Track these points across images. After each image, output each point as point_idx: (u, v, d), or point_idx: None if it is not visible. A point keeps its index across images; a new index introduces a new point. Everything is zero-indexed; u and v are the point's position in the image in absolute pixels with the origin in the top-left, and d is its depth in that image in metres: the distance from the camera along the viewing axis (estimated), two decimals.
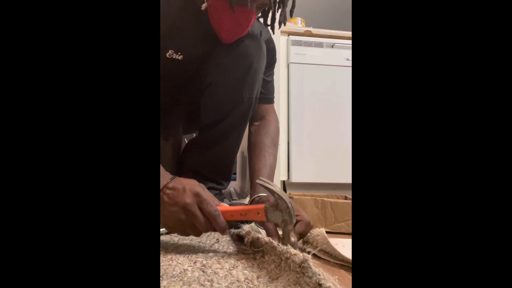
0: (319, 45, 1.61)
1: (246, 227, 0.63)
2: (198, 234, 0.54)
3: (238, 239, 0.62)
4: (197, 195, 0.52)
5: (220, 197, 0.89)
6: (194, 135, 1.06)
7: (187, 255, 0.53)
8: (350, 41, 1.62)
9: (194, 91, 0.89)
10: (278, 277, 0.43)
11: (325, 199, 0.82)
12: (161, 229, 0.66)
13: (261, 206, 0.54)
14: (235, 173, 1.84)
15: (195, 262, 0.49)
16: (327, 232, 0.59)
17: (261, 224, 0.62)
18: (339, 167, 1.54)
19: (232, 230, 0.64)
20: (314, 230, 0.60)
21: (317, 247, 0.56)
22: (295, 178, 1.51)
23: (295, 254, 0.41)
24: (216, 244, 0.61)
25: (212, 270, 0.46)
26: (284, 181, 1.54)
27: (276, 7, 0.76)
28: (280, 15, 0.78)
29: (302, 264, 0.39)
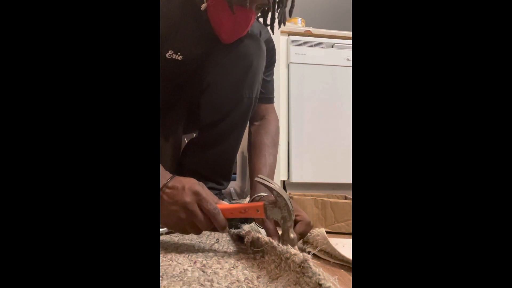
0: (319, 45, 1.61)
1: (246, 227, 0.63)
2: (198, 232, 0.55)
3: (238, 239, 0.62)
4: (196, 193, 0.52)
5: (220, 197, 0.89)
6: (194, 135, 1.06)
7: (187, 255, 0.53)
8: (350, 41, 1.62)
9: (194, 91, 0.89)
10: (278, 277, 0.43)
11: (325, 199, 0.82)
12: (161, 229, 0.66)
13: (260, 203, 0.55)
14: (235, 173, 1.84)
15: (195, 262, 0.49)
16: (327, 232, 0.59)
17: (261, 223, 0.62)
18: (339, 167, 1.54)
19: (232, 230, 0.64)
20: (314, 230, 0.60)
21: (317, 247, 0.56)
22: (295, 178, 1.51)
23: (295, 254, 0.41)
24: (216, 244, 0.61)
25: (212, 270, 0.46)
26: (284, 181, 1.54)
27: (276, 7, 0.76)
28: (280, 15, 0.78)
29: (302, 264, 0.39)
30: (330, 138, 1.56)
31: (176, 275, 0.43)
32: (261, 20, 0.85)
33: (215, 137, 0.86)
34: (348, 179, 1.50)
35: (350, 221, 0.79)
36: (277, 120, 0.96)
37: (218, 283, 0.41)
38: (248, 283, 0.41)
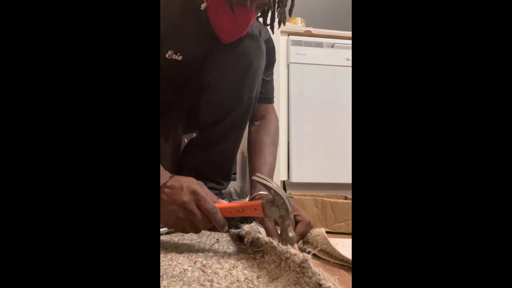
0: (319, 45, 1.61)
1: (246, 227, 0.63)
2: (197, 231, 0.55)
3: (238, 239, 0.62)
4: (194, 192, 0.52)
5: (220, 197, 0.89)
6: (194, 135, 1.06)
7: (187, 255, 0.53)
8: (350, 41, 1.62)
9: (193, 91, 0.89)
10: (278, 277, 0.43)
11: (325, 199, 0.82)
12: (161, 229, 0.66)
13: (258, 202, 0.54)
14: (235, 173, 1.84)
15: (195, 262, 0.49)
16: (327, 232, 0.59)
17: (261, 222, 0.62)
18: (339, 167, 1.54)
19: (232, 230, 0.64)
20: (314, 230, 0.60)
21: (317, 247, 0.56)
22: (295, 178, 1.51)
23: (295, 254, 0.41)
24: (216, 244, 0.61)
25: (212, 270, 0.46)
26: (284, 181, 1.54)
27: (276, 7, 0.76)
28: (280, 15, 0.78)
29: (302, 264, 0.39)
30: (330, 138, 1.56)
31: (176, 275, 0.43)
32: (261, 20, 0.85)
33: (215, 137, 0.86)
34: (348, 179, 1.50)
35: (350, 221, 0.79)
36: (277, 120, 0.97)
37: (218, 283, 0.41)
38: (248, 283, 0.41)
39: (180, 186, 0.53)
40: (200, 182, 0.56)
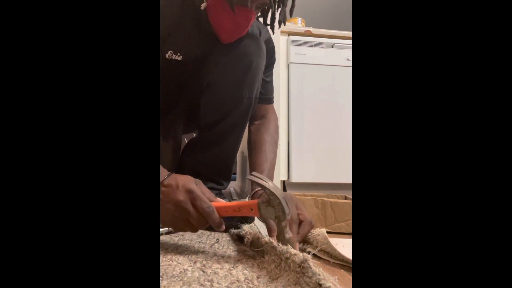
0: (319, 45, 1.61)
1: (246, 227, 0.63)
2: (194, 230, 0.54)
3: (238, 239, 0.62)
4: (190, 191, 0.52)
5: (220, 197, 0.89)
6: (194, 135, 1.06)
7: (187, 255, 0.53)
8: (350, 41, 1.62)
9: (193, 91, 0.89)
10: (278, 277, 0.43)
11: (325, 199, 0.82)
12: (161, 229, 0.66)
13: (254, 202, 0.53)
14: (235, 173, 1.83)
15: (195, 262, 0.49)
16: (327, 232, 0.59)
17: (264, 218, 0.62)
18: (339, 167, 1.54)
19: (232, 230, 0.64)
20: (314, 230, 0.60)
21: (317, 247, 0.56)
22: (295, 178, 1.51)
23: (295, 254, 0.41)
24: (216, 244, 0.61)
25: (212, 270, 0.46)
26: (284, 181, 1.54)
27: (276, 7, 0.76)
28: (280, 15, 0.78)
29: (302, 264, 0.39)
30: (330, 138, 1.56)
31: (176, 275, 0.43)
32: (261, 19, 0.85)
33: (215, 137, 0.86)
34: (348, 179, 1.50)
35: (350, 221, 0.79)
36: (276, 120, 0.97)
37: (218, 283, 0.41)
38: (248, 283, 0.41)
39: (176, 185, 0.53)
40: (198, 180, 0.55)
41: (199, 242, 0.62)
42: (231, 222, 0.66)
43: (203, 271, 0.45)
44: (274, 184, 0.53)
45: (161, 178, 0.54)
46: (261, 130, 0.91)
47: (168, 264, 0.48)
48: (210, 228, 0.55)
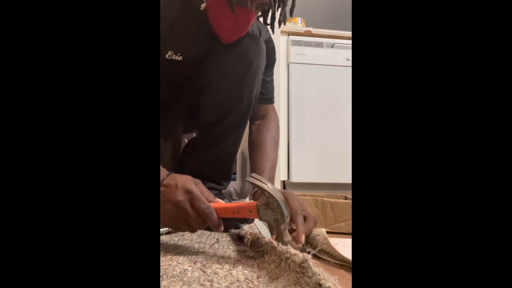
0: (319, 45, 1.61)
1: (246, 227, 0.63)
2: (192, 230, 0.54)
3: (238, 239, 0.62)
4: (189, 192, 0.52)
5: (220, 197, 0.89)
6: (194, 135, 1.06)
7: (187, 255, 0.53)
8: (350, 41, 1.62)
9: (193, 91, 0.89)
10: (278, 277, 0.43)
11: (325, 199, 0.82)
12: (161, 229, 0.66)
13: (253, 203, 0.53)
14: (235, 173, 1.84)
15: (195, 262, 0.49)
16: (327, 232, 0.59)
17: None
18: (339, 167, 1.54)
19: (232, 230, 0.64)
20: (314, 230, 0.60)
21: (317, 247, 0.56)
22: (295, 178, 1.51)
23: (295, 254, 0.41)
24: (216, 244, 0.61)
25: (212, 270, 0.46)
26: (284, 181, 1.54)
27: (276, 6, 0.76)
28: (280, 15, 0.78)
29: (302, 264, 0.39)
30: (330, 138, 1.56)
31: (176, 275, 0.43)
32: (261, 19, 0.85)
33: (215, 137, 0.86)
34: (348, 179, 1.50)
35: (350, 221, 0.79)
36: (277, 119, 0.97)
37: (218, 283, 0.41)
38: (248, 283, 0.41)
39: (175, 185, 0.52)
40: (197, 180, 0.55)
41: (199, 242, 0.62)
42: (231, 222, 0.66)
43: (203, 271, 0.45)
44: (274, 186, 0.53)
45: (160, 178, 0.54)
46: (262, 130, 0.90)
47: (168, 264, 0.48)
48: (210, 228, 0.55)
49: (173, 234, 0.67)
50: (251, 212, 0.53)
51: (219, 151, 0.87)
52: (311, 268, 0.38)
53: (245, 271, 0.46)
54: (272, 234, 0.55)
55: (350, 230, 0.78)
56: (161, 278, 0.42)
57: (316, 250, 0.55)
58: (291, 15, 0.80)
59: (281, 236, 0.51)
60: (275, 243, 0.47)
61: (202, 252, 0.55)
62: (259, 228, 0.73)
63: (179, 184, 0.52)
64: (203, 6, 0.75)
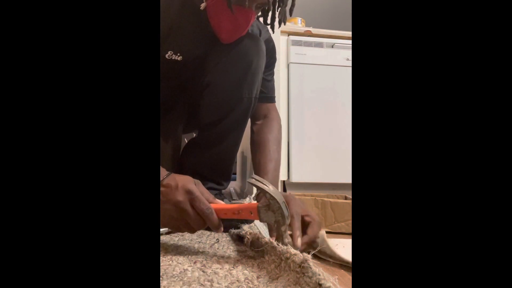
0: (319, 45, 1.61)
1: (246, 227, 0.63)
2: (192, 231, 0.54)
3: (238, 239, 0.62)
4: (189, 192, 0.52)
5: (220, 197, 0.89)
6: (194, 135, 1.06)
7: (187, 255, 0.53)
8: (350, 41, 1.62)
9: (193, 91, 0.89)
10: (278, 277, 0.43)
11: (325, 199, 0.82)
12: (161, 229, 0.66)
13: (254, 205, 0.53)
14: (235, 173, 1.84)
15: (195, 262, 0.49)
16: (327, 232, 0.59)
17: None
18: (339, 167, 1.54)
19: (232, 230, 0.64)
20: None
21: (316, 247, 0.56)
22: (295, 178, 1.51)
23: (295, 254, 0.41)
24: (216, 244, 0.61)
25: (212, 270, 0.46)
26: (284, 181, 1.54)
27: (276, 6, 0.76)
28: (280, 14, 0.78)
29: (302, 264, 0.39)
30: (330, 138, 1.56)
31: (176, 275, 0.43)
32: (261, 19, 0.85)
33: (215, 137, 0.86)
34: (348, 179, 1.50)
35: (350, 221, 0.79)
36: (279, 119, 0.96)
37: (218, 283, 0.41)
38: (248, 283, 0.41)
39: (176, 185, 0.52)
40: (197, 180, 0.55)
41: (199, 242, 0.62)
42: (231, 222, 0.66)
43: (203, 271, 0.45)
44: (275, 188, 0.53)
45: (160, 178, 0.54)
46: (264, 130, 0.90)
47: (168, 264, 0.48)
48: (210, 228, 0.55)
49: (173, 234, 0.67)
50: (251, 213, 0.53)
51: (219, 151, 0.87)
52: (311, 268, 0.38)
53: (245, 271, 0.46)
54: (271, 236, 0.55)
55: (350, 230, 0.78)
56: (161, 278, 0.42)
57: (316, 250, 0.55)
58: (290, 15, 0.80)
59: (282, 237, 0.51)
60: (275, 243, 0.47)
61: (202, 252, 0.55)
62: (259, 228, 0.73)
63: (179, 185, 0.52)
64: (203, 5, 0.75)
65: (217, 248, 0.58)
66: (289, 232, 0.54)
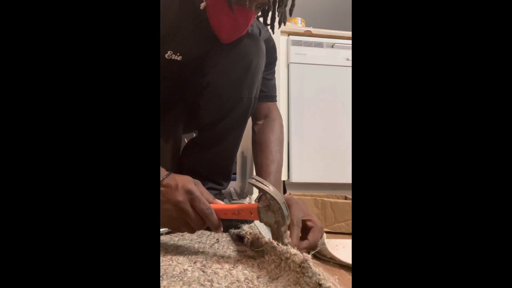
0: (319, 45, 1.61)
1: (246, 227, 0.63)
2: (192, 231, 0.54)
3: (238, 239, 0.62)
4: (189, 192, 0.52)
5: (220, 197, 0.89)
6: (194, 135, 1.06)
7: (187, 255, 0.53)
8: (350, 41, 1.62)
9: (193, 91, 0.89)
10: (278, 277, 0.43)
11: (325, 199, 0.82)
12: (161, 229, 0.66)
13: (254, 205, 0.53)
14: (235, 173, 1.84)
15: (195, 262, 0.49)
16: (327, 232, 0.59)
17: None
18: (339, 167, 1.54)
19: (232, 230, 0.64)
20: None
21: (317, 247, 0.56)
22: (295, 178, 1.51)
23: (295, 254, 0.41)
24: (216, 244, 0.61)
25: (212, 270, 0.46)
26: (284, 181, 1.54)
27: (276, 6, 0.76)
28: (280, 14, 0.78)
29: (302, 264, 0.39)
30: (330, 138, 1.56)
31: (176, 275, 0.43)
32: (261, 19, 0.85)
33: (214, 137, 0.86)
34: (348, 179, 1.50)
35: (350, 221, 0.79)
36: (281, 118, 0.96)
37: (218, 283, 0.41)
38: (248, 283, 0.41)
39: (176, 185, 0.52)
40: (196, 181, 0.55)
41: (199, 242, 0.62)
42: (231, 222, 0.66)
43: (203, 271, 0.45)
44: (275, 188, 0.53)
45: (160, 178, 0.54)
46: (265, 130, 0.89)
47: (168, 264, 0.48)
48: (209, 228, 0.55)
49: (173, 234, 0.67)
50: (251, 213, 0.53)
51: (219, 151, 0.87)
52: (311, 268, 0.38)
53: (245, 271, 0.46)
54: (273, 238, 0.54)
55: (350, 230, 0.78)
56: (161, 278, 0.42)
57: (316, 250, 0.55)
58: (290, 15, 0.80)
59: (281, 238, 0.51)
60: (275, 243, 0.47)
61: (202, 252, 0.55)
62: (259, 228, 0.73)
63: (179, 184, 0.52)
64: (202, 5, 0.75)
65: (217, 248, 0.58)
66: (289, 233, 0.54)
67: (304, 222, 0.57)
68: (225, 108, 0.83)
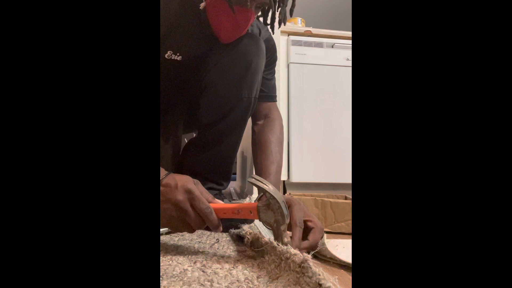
0: (319, 45, 1.61)
1: (246, 227, 0.63)
2: (191, 231, 0.54)
3: (238, 239, 0.62)
4: (189, 192, 0.52)
5: (220, 197, 0.89)
6: (194, 134, 1.06)
7: (187, 255, 0.53)
8: (350, 41, 1.62)
9: (193, 91, 0.89)
10: (278, 277, 0.43)
11: (325, 199, 0.82)
12: (161, 229, 0.65)
13: (254, 204, 0.53)
14: (235, 173, 1.84)
15: (195, 262, 0.49)
16: (327, 232, 0.59)
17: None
18: (339, 167, 1.54)
19: (232, 230, 0.64)
20: None
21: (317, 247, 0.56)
22: (295, 178, 1.51)
23: (295, 254, 0.41)
24: (216, 244, 0.61)
25: (212, 270, 0.46)
26: (284, 181, 1.54)
27: (276, 6, 0.76)
28: (280, 14, 0.78)
29: (302, 264, 0.39)
30: (330, 138, 1.56)
31: (176, 275, 0.43)
32: (261, 19, 0.85)
33: (214, 137, 0.86)
34: (348, 179, 1.50)
35: (350, 221, 0.79)
36: (280, 118, 0.95)
37: (218, 283, 0.41)
38: (248, 283, 0.41)
39: (175, 185, 0.52)
40: (196, 180, 0.55)
41: (199, 242, 0.62)
42: (231, 222, 0.66)
43: (203, 271, 0.45)
44: (275, 187, 0.53)
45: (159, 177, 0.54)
46: (265, 131, 0.89)
47: (168, 264, 0.48)
48: (209, 228, 0.55)
49: (173, 234, 0.67)
50: (251, 213, 0.53)
51: (219, 151, 0.87)
52: (311, 268, 0.38)
53: (245, 271, 0.46)
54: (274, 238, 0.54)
55: (350, 230, 0.78)
56: (161, 278, 0.42)
57: (316, 250, 0.55)
58: (291, 15, 0.79)
59: (281, 237, 0.51)
60: (275, 243, 0.47)
61: (202, 252, 0.55)
62: (259, 228, 0.73)
63: (179, 184, 0.52)
64: (202, 5, 0.75)
65: (217, 248, 0.58)
66: (288, 233, 0.54)
67: (304, 222, 0.57)
68: (225, 108, 0.83)
